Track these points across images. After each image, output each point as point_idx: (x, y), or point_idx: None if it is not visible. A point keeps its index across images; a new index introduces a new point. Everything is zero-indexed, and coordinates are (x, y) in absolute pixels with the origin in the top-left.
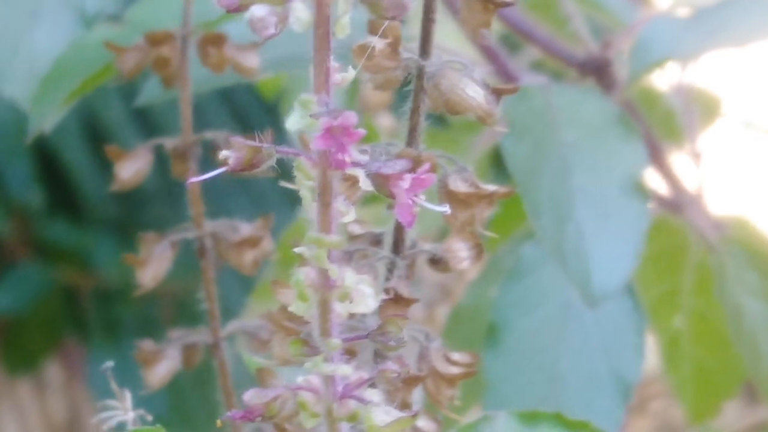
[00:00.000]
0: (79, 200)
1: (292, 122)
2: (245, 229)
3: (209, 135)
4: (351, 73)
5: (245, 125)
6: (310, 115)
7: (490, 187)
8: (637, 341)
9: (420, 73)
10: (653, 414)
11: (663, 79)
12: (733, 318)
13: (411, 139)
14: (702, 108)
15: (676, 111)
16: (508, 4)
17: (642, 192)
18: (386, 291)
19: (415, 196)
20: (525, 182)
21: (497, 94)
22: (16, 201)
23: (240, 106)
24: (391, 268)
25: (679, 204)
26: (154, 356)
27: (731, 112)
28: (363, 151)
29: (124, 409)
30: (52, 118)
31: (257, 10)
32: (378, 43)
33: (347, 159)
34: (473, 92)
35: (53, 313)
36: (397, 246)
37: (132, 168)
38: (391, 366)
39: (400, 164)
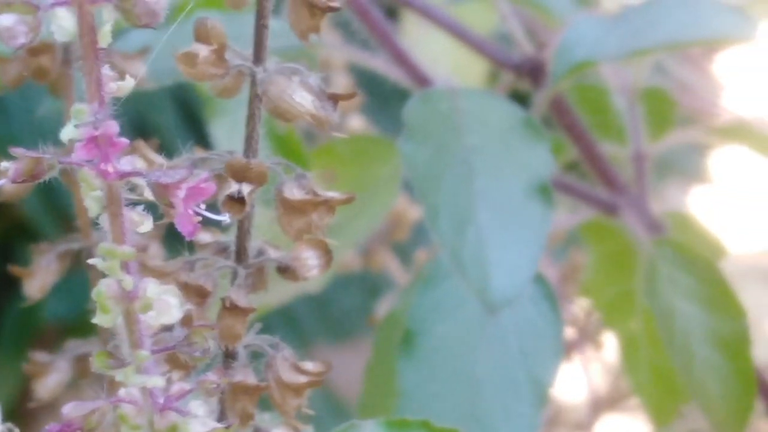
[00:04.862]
0: None
1: (66, 132)
2: None
3: None
4: (129, 82)
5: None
6: (75, 126)
7: (328, 194)
8: (554, 344)
9: (253, 80)
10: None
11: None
12: (664, 319)
13: (247, 146)
14: (651, 108)
15: (622, 110)
16: (334, 9)
17: (546, 195)
18: (223, 300)
19: (196, 205)
20: (424, 186)
21: (334, 99)
22: None
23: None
24: (233, 278)
25: (615, 205)
26: (44, 368)
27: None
28: (191, 162)
29: None
30: None
31: (3, 20)
32: (202, 50)
33: (110, 169)
34: (301, 98)
35: None
36: (240, 255)
37: None
38: (210, 377)
39: (179, 173)
